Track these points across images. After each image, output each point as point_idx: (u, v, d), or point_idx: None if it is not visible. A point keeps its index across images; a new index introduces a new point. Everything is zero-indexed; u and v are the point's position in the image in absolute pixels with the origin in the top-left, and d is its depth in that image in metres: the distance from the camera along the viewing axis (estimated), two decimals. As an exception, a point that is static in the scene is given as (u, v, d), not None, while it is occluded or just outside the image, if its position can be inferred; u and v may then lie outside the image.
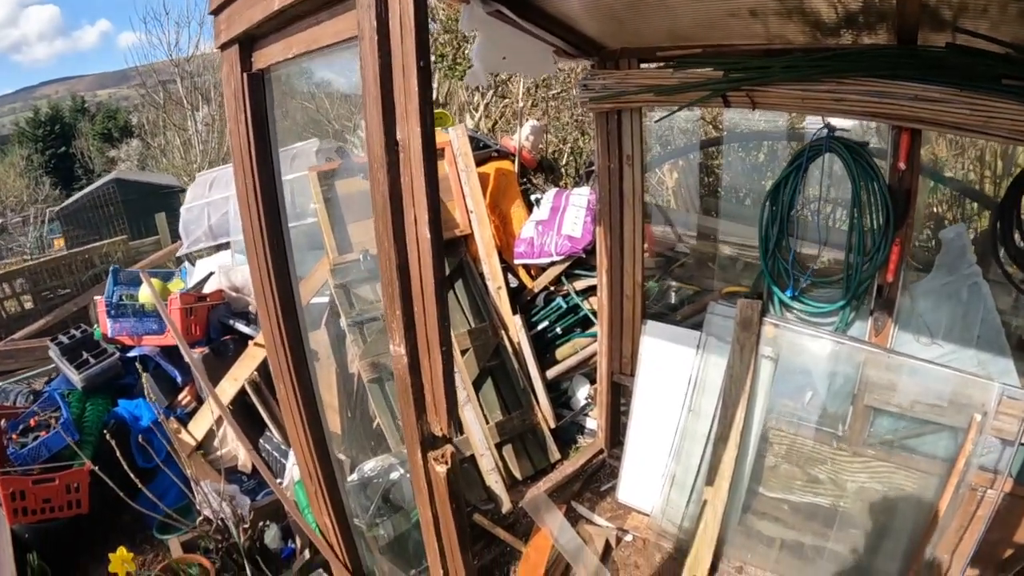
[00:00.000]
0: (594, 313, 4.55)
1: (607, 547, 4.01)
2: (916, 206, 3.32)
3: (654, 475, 4.04)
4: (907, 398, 3.39)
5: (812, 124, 4.03)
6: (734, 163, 5.08)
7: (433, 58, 7.64)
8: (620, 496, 4.29)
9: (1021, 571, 3.65)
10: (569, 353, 4.79)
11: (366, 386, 4.40)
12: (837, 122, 3.42)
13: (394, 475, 3.93)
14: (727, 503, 3.69)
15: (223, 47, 2.41)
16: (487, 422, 4.55)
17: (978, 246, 3.58)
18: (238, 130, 2.38)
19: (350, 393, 4.60)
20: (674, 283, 4.55)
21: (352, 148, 6.62)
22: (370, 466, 3.96)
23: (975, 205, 4.79)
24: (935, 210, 4.82)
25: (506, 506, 4.34)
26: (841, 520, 3.64)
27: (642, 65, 3.70)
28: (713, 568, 3.81)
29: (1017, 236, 3.31)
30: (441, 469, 1.89)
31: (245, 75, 2.33)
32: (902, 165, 3.18)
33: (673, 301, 4.54)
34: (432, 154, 1.62)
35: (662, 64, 3.59)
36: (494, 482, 4.44)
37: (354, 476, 3.88)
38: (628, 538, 4.13)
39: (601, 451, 4.59)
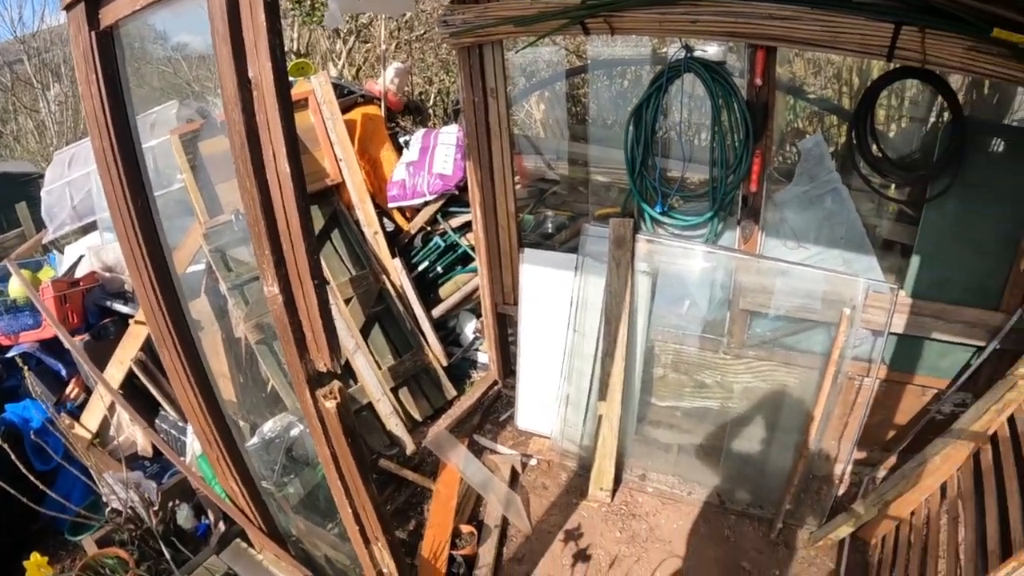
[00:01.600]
0: (473, 248, 4.28)
1: (513, 474, 3.90)
2: (776, 121, 3.31)
3: (549, 398, 3.90)
4: (780, 299, 3.38)
5: (672, 48, 3.85)
6: (600, 91, 4.92)
7: (289, 4, 6.95)
8: (519, 423, 4.16)
9: (905, 449, 3.77)
10: (452, 291, 4.50)
11: (254, 348, 4.03)
12: (710, 49, 3.33)
13: (294, 431, 3.69)
14: (622, 416, 3.61)
15: (68, 7, 2.10)
16: (379, 367, 4.25)
17: (839, 157, 3.61)
18: (91, 93, 2.12)
19: (239, 358, 4.22)
20: (549, 211, 4.36)
21: (214, 108, 5.95)
22: (269, 426, 3.74)
23: (835, 119, 4.82)
24: (797, 126, 4.86)
25: (410, 448, 4.12)
26: (731, 420, 3.64)
27: None
28: (617, 479, 3.79)
29: (873, 145, 3.28)
30: (331, 405, 1.84)
31: (93, 34, 2.05)
32: (759, 81, 3.13)
33: (549, 229, 4.34)
34: (285, 89, 1.55)
35: None
36: (395, 426, 4.19)
37: (255, 439, 3.66)
38: (532, 462, 4.03)
39: (495, 382, 4.42)
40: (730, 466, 3.70)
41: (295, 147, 1.59)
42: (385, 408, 4.18)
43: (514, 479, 3.88)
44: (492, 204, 3.93)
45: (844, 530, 3.51)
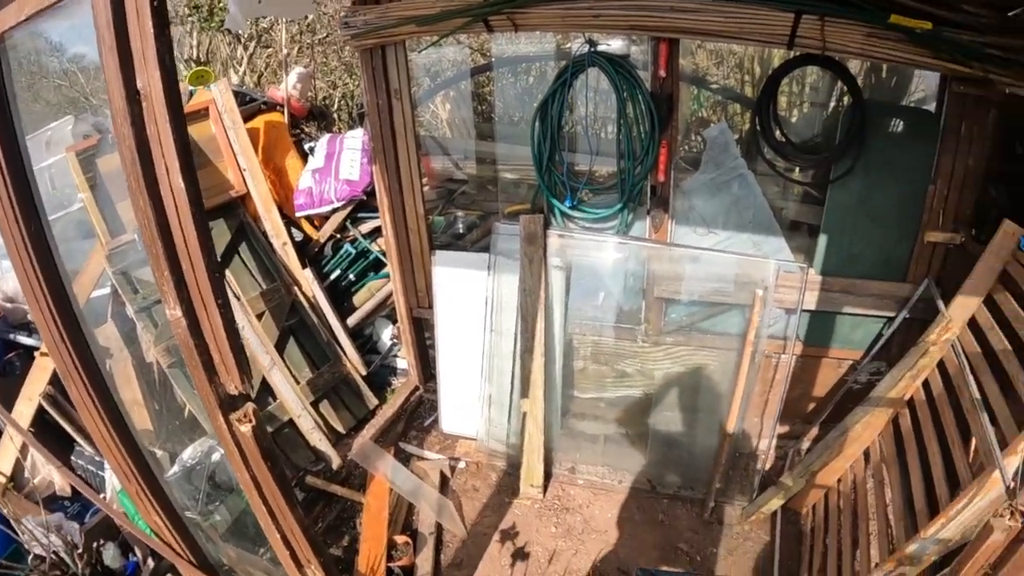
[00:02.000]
0: (384, 254, 4.10)
1: (443, 478, 3.80)
2: (680, 111, 3.30)
3: (472, 400, 3.80)
4: (693, 285, 3.38)
5: (576, 43, 3.79)
6: (505, 88, 4.82)
7: (187, 10, 6.57)
8: (444, 427, 4.03)
9: (826, 420, 3.81)
10: (366, 298, 4.31)
11: (167, 372, 3.76)
12: (614, 43, 3.29)
13: (215, 456, 3.50)
14: (546, 411, 3.55)
15: (-53, 17, 1.90)
16: (298, 382, 4.04)
17: (744, 143, 3.62)
18: (-26, 112, 1.96)
19: (152, 384, 3.93)
20: (458, 211, 4.22)
21: (111, 121, 5.57)
22: (188, 453, 3.55)
23: (738, 107, 4.85)
24: (702, 115, 4.85)
25: (336, 462, 3.94)
26: (654, 406, 3.62)
27: None
28: (547, 474, 3.73)
29: (777, 131, 3.31)
30: (246, 428, 1.75)
31: (-25, 47, 1.89)
32: (663, 73, 3.13)
33: (460, 229, 4.20)
34: (176, 99, 1.44)
35: None
36: (318, 440, 3.98)
37: (175, 468, 3.48)
38: (461, 465, 3.93)
39: (416, 388, 4.26)
40: (657, 451, 3.68)
41: (189, 160, 1.50)
42: (307, 423, 3.97)
43: (444, 484, 3.76)
44: (401, 207, 3.77)
45: (775, 503, 3.54)
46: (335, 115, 6.11)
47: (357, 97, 6.46)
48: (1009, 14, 2.85)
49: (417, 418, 4.22)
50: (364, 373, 4.26)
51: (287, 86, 4.97)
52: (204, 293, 1.60)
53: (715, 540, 3.55)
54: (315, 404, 4.06)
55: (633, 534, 3.52)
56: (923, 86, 4.03)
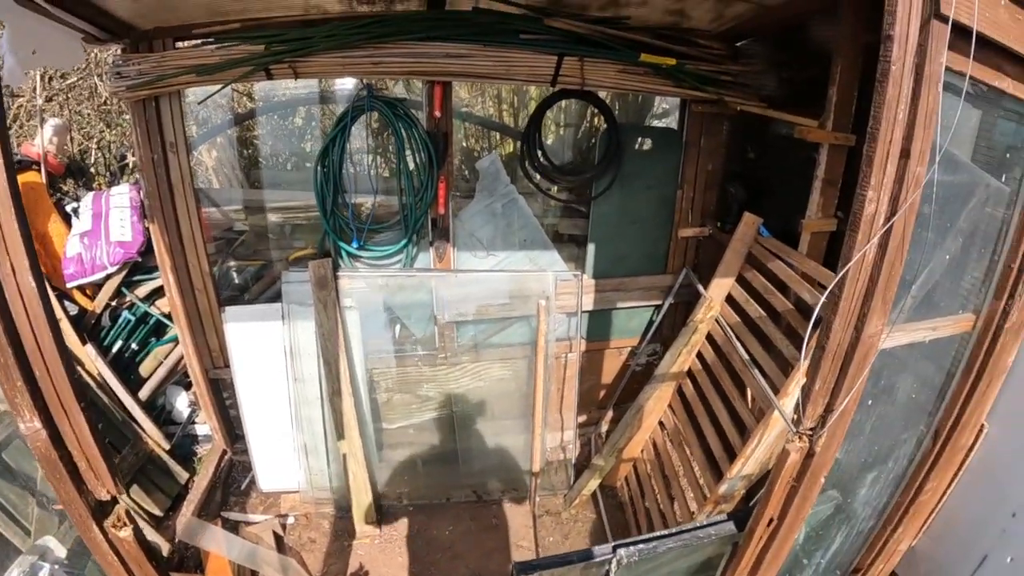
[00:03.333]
0: (167, 316, 3.73)
1: (277, 538, 3.59)
2: (453, 145, 3.38)
3: (286, 453, 3.61)
4: (480, 305, 3.46)
5: (342, 85, 3.86)
6: (273, 131, 4.52)
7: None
8: (263, 486, 3.78)
9: (618, 402, 4.09)
10: (154, 366, 3.88)
11: None
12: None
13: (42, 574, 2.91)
14: (364, 449, 3.48)
15: None
16: None
17: (512, 170, 3.72)
18: None
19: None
20: (238, 263, 3.94)
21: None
22: None
23: (499, 135, 5.01)
24: (465, 144, 4.93)
25: (165, 548, 3.49)
26: (460, 423, 3.68)
27: (177, 44, 3.06)
28: (379, 509, 3.67)
29: (542, 157, 3.50)
30: (125, 533, 1.64)
31: None
32: (438, 113, 3.22)
33: (245, 282, 3.93)
34: (15, 187, 1.27)
35: (199, 42, 3.03)
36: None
37: None
38: (291, 520, 3.73)
39: (224, 452, 3.94)
40: (474, 463, 3.77)
41: (35, 257, 1.34)
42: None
43: (280, 543, 3.56)
44: (184, 266, 3.47)
45: (592, 484, 3.78)
46: (93, 169, 5.39)
47: (116, 149, 5.73)
48: (737, 44, 3.29)
49: (233, 483, 3.92)
50: (167, 447, 3.84)
51: (43, 140, 4.33)
52: (65, 399, 1.47)
53: (549, 530, 3.72)
54: (125, 491, 3.59)
55: (475, 543, 3.58)
56: (666, 104, 4.46)
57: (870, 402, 1.95)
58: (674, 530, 2.05)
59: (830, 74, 2.72)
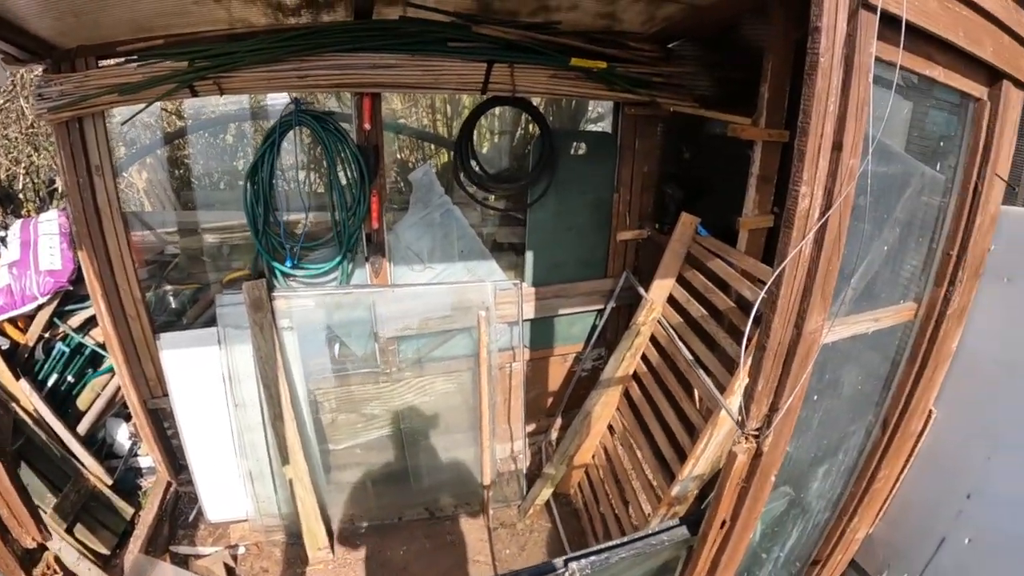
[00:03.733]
0: (101, 346, 3.62)
1: (228, 570, 3.48)
2: (384, 158, 3.32)
3: (232, 481, 3.50)
4: (420, 319, 3.42)
5: (274, 100, 3.78)
6: (203, 150, 4.42)
7: None
8: (210, 517, 3.66)
9: (565, 408, 4.07)
10: (91, 398, 3.74)
11: None
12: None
13: None
14: (311, 472, 3.40)
15: None
16: (44, 512, 3.36)
17: (446, 180, 3.69)
18: None
19: None
20: (173, 287, 3.83)
21: None
22: None
23: (433, 146, 4.97)
24: (400, 156, 4.89)
25: None
26: (408, 439, 3.62)
27: (101, 63, 2.95)
28: (330, 533, 3.58)
29: (476, 166, 3.48)
30: None
31: None
32: (367, 125, 3.17)
33: (179, 306, 3.83)
34: None
35: (123, 60, 2.93)
36: (87, 571, 3.35)
37: None
38: (241, 551, 3.62)
39: (169, 484, 3.79)
40: (424, 479, 3.72)
41: None
42: (69, 556, 3.30)
43: (231, 575, 3.47)
44: (116, 293, 3.36)
45: (545, 493, 3.76)
46: (21, 195, 5.20)
47: (45, 174, 5.53)
48: (669, 46, 3.34)
49: (180, 515, 3.79)
50: (110, 482, 3.67)
51: (-33, 170, 4.20)
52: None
53: (505, 543, 3.69)
54: (70, 531, 3.42)
55: (430, 562, 3.52)
56: (600, 108, 4.48)
57: (816, 397, 1.96)
58: (627, 539, 2.04)
59: (762, 71, 2.77)
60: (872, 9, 1.27)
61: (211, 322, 3.36)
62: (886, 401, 2.27)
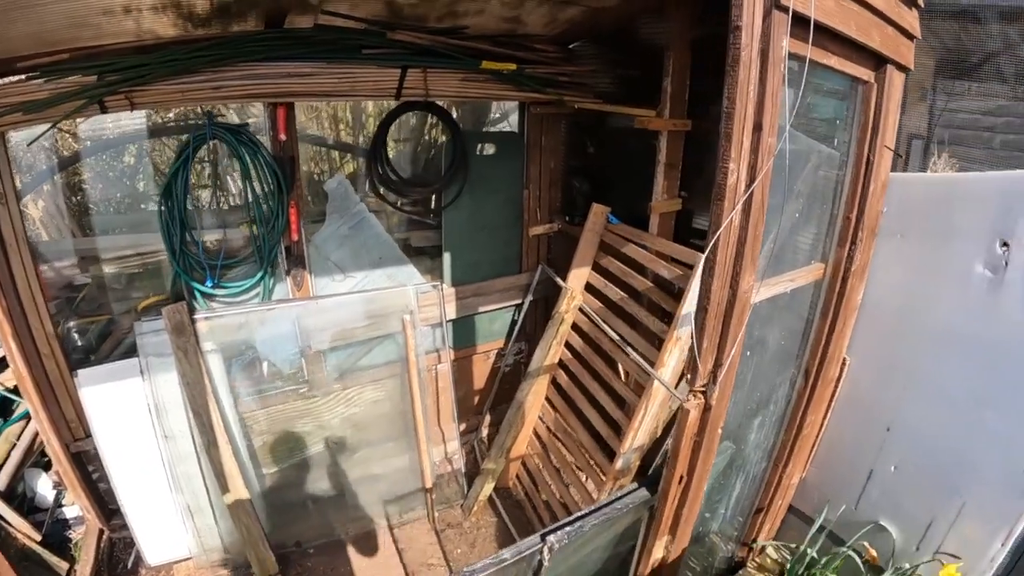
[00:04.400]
0: (13, 391, 3.42)
1: None
2: (301, 169, 3.35)
3: (169, 518, 3.36)
4: (344, 329, 3.42)
5: (177, 116, 3.74)
6: (103, 173, 4.21)
7: None
8: (150, 560, 3.48)
9: (493, 404, 4.15)
10: (6, 450, 3.47)
11: None
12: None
13: None
14: (251, 498, 3.32)
15: None
16: None
17: (361, 188, 3.74)
18: None
19: None
20: (82, 321, 3.65)
21: None
22: None
23: (338, 155, 5.00)
24: (306, 168, 4.85)
25: None
26: (343, 453, 3.63)
27: (0, 81, 2.78)
28: (279, 558, 3.48)
29: (390, 173, 3.57)
30: None
31: None
32: (283, 136, 3.17)
33: (88, 341, 3.66)
34: None
35: (23, 76, 2.77)
36: None
37: None
38: (188, 590, 3.47)
39: (101, 531, 3.55)
40: (365, 491, 3.71)
41: None
42: None
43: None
44: (27, 331, 3.17)
45: (487, 488, 3.83)
46: None
47: None
48: (571, 47, 3.54)
49: (118, 563, 3.58)
50: (39, 538, 3.43)
51: None
52: None
53: (455, 543, 3.73)
54: None
55: (384, 573, 3.50)
56: (503, 108, 4.63)
57: (748, 353, 2.14)
58: (594, 506, 2.18)
59: (663, 67, 2.99)
60: (784, 10, 1.49)
61: (129, 353, 3.25)
62: (805, 353, 2.52)
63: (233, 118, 3.60)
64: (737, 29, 1.47)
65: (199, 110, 3.13)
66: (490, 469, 3.74)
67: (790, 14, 1.50)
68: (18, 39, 2.63)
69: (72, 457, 3.38)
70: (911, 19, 2.16)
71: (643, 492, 2.22)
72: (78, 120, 4.15)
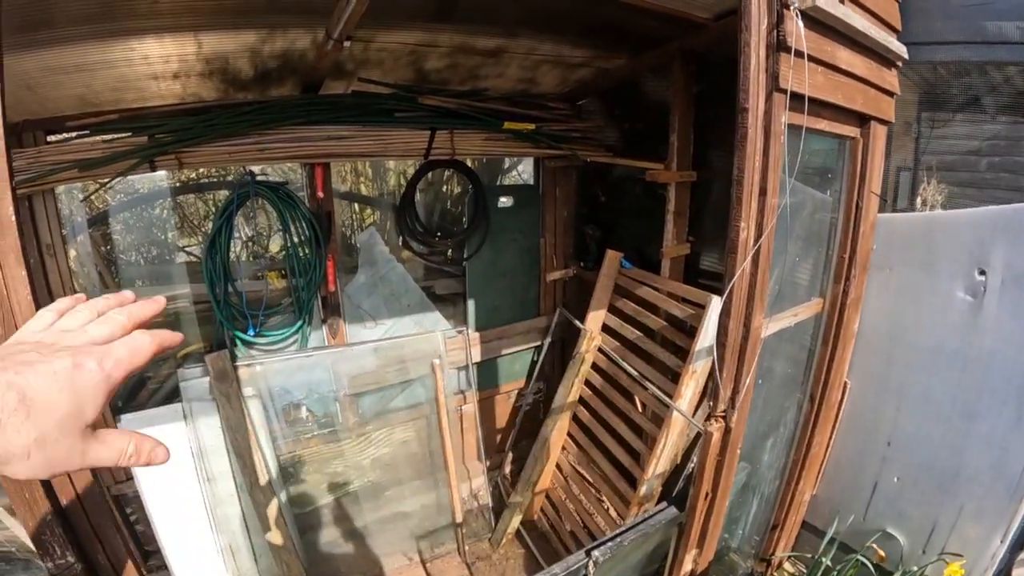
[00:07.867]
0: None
1: None
2: (336, 224, 3.52)
3: (209, 558, 3.44)
4: (377, 374, 3.61)
5: (214, 174, 3.96)
6: (134, 226, 4.38)
7: None
8: None
9: (515, 441, 4.32)
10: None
11: None
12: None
13: None
14: (292, 538, 3.44)
15: None
16: None
17: (390, 240, 3.98)
18: None
19: None
20: None
21: None
22: None
23: (358, 206, 5.31)
24: (338, 221, 5.11)
25: None
26: (375, 491, 3.77)
27: (49, 138, 2.87)
28: (322, 597, 3.59)
29: (417, 225, 3.83)
30: None
31: None
32: (320, 194, 3.36)
33: (130, 387, 3.80)
34: None
35: (74, 135, 2.87)
36: None
37: None
38: (235, 631, 3.54)
39: (139, 570, 3.68)
40: (397, 527, 3.85)
41: None
42: None
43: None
44: (74, 380, 3.33)
45: (515, 521, 3.98)
46: None
47: None
48: (578, 103, 3.87)
49: (157, 607, 3.67)
50: None
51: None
52: None
53: (486, 573, 3.84)
54: None
55: (421, 605, 3.61)
56: (517, 162, 4.97)
57: (760, 381, 2.40)
58: (630, 524, 2.38)
59: (670, 123, 3.25)
60: (783, 91, 1.80)
61: (167, 399, 3.43)
62: (810, 379, 2.80)
63: (272, 176, 3.86)
64: (744, 111, 1.77)
65: (242, 168, 3.32)
66: (517, 502, 3.89)
67: (788, 95, 1.81)
68: (63, 100, 2.75)
69: (113, 500, 3.52)
70: (891, 79, 2.50)
71: (672, 510, 2.43)
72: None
